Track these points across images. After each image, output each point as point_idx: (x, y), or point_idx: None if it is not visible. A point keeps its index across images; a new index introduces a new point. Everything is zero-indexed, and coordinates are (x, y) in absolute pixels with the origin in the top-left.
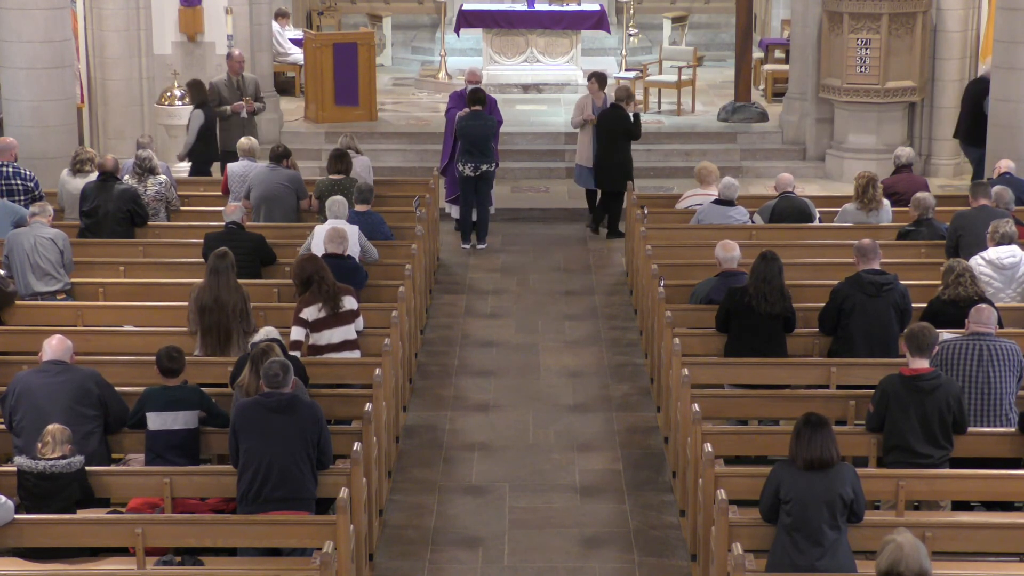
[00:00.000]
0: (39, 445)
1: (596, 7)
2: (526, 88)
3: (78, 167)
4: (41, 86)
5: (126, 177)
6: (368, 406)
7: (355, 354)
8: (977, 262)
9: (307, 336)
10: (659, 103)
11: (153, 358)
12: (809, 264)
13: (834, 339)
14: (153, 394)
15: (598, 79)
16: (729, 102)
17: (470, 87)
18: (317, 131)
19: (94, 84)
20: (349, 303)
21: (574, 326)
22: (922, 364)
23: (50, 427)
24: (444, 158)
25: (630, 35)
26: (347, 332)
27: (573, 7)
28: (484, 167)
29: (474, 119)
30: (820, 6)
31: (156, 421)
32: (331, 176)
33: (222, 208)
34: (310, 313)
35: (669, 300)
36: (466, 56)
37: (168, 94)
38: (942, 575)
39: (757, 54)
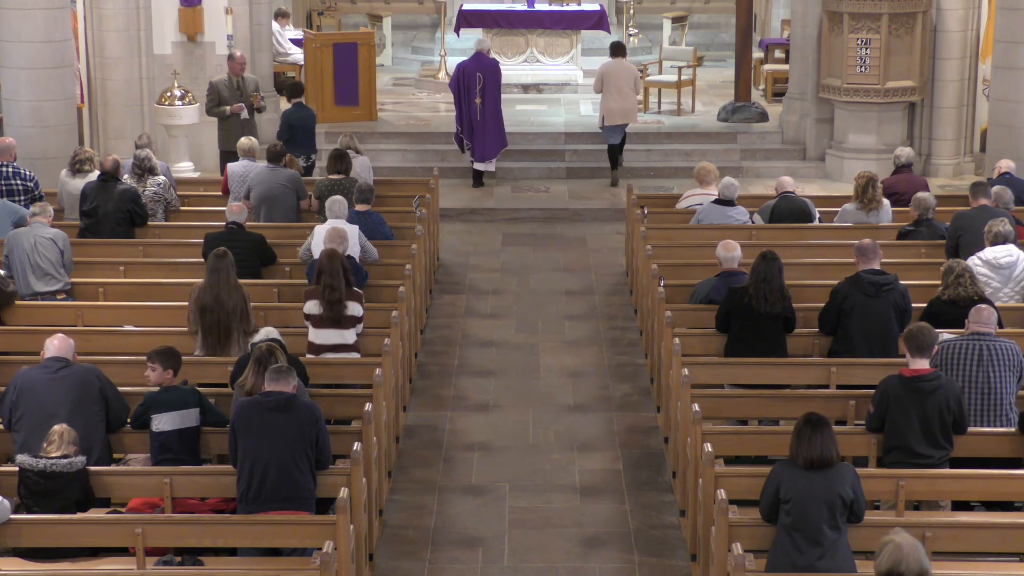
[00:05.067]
0: (45, 444)
1: (596, 7)
2: (526, 88)
3: (78, 167)
4: (41, 86)
5: (126, 177)
6: (368, 406)
7: (351, 356)
8: (974, 262)
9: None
10: (659, 103)
11: None
12: (809, 264)
13: (834, 339)
14: (158, 397)
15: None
16: (729, 102)
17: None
18: (317, 131)
19: (94, 84)
20: (353, 309)
21: (574, 326)
22: (922, 364)
23: (57, 427)
24: (457, 121)
25: (630, 35)
26: (344, 335)
27: (573, 7)
28: (313, 156)
29: (300, 111)
30: (820, 6)
31: (166, 421)
32: (331, 176)
33: (222, 208)
34: (310, 308)
35: (669, 300)
36: (466, 56)
37: (168, 94)
38: (942, 575)
39: (757, 54)
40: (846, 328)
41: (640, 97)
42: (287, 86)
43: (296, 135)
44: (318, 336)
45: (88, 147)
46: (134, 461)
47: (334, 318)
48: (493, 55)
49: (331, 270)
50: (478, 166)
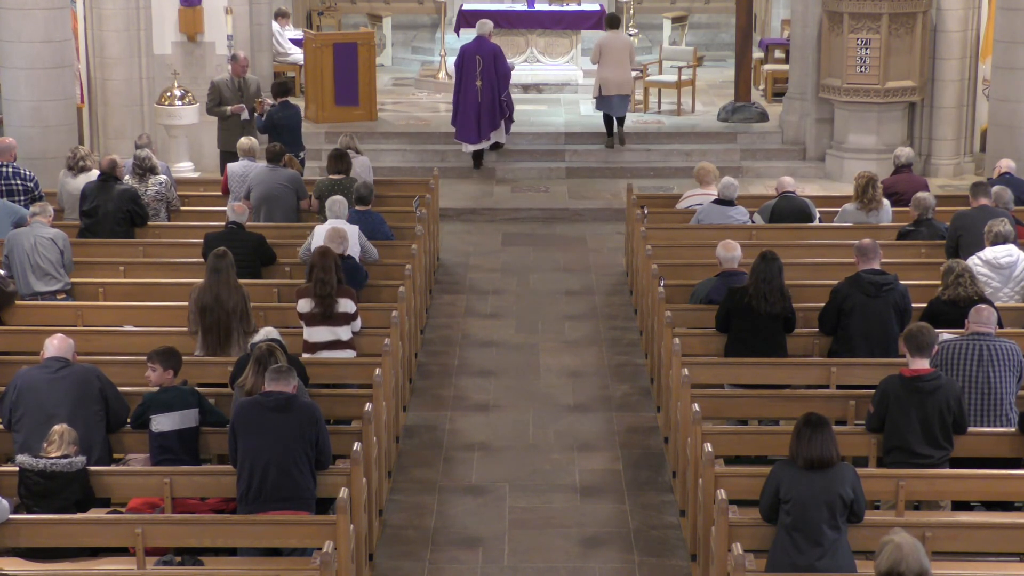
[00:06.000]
0: (45, 444)
1: (596, 7)
2: (526, 88)
3: (80, 164)
4: (41, 86)
5: (127, 177)
6: (368, 406)
7: (347, 354)
8: (974, 262)
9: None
10: (659, 103)
11: None
12: (809, 264)
13: (834, 339)
14: (158, 397)
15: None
16: (729, 102)
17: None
18: (317, 131)
19: (94, 84)
20: (345, 306)
21: (574, 326)
22: (922, 364)
23: (57, 427)
24: (454, 109)
25: (630, 35)
26: (338, 332)
27: (573, 7)
28: (301, 154)
29: (284, 109)
30: (820, 6)
31: (166, 422)
32: (331, 176)
33: (222, 208)
34: (302, 306)
35: (669, 300)
36: None
37: (168, 94)
38: (942, 575)
39: (757, 54)
40: (846, 328)
41: (637, 69)
42: (273, 84)
43: (280, 134)
44: (312, 334)
45: (87, 147)
46: (134, 461)
47: (326, 314)
48: None
49: (323, 265)
50: (466, 148)
